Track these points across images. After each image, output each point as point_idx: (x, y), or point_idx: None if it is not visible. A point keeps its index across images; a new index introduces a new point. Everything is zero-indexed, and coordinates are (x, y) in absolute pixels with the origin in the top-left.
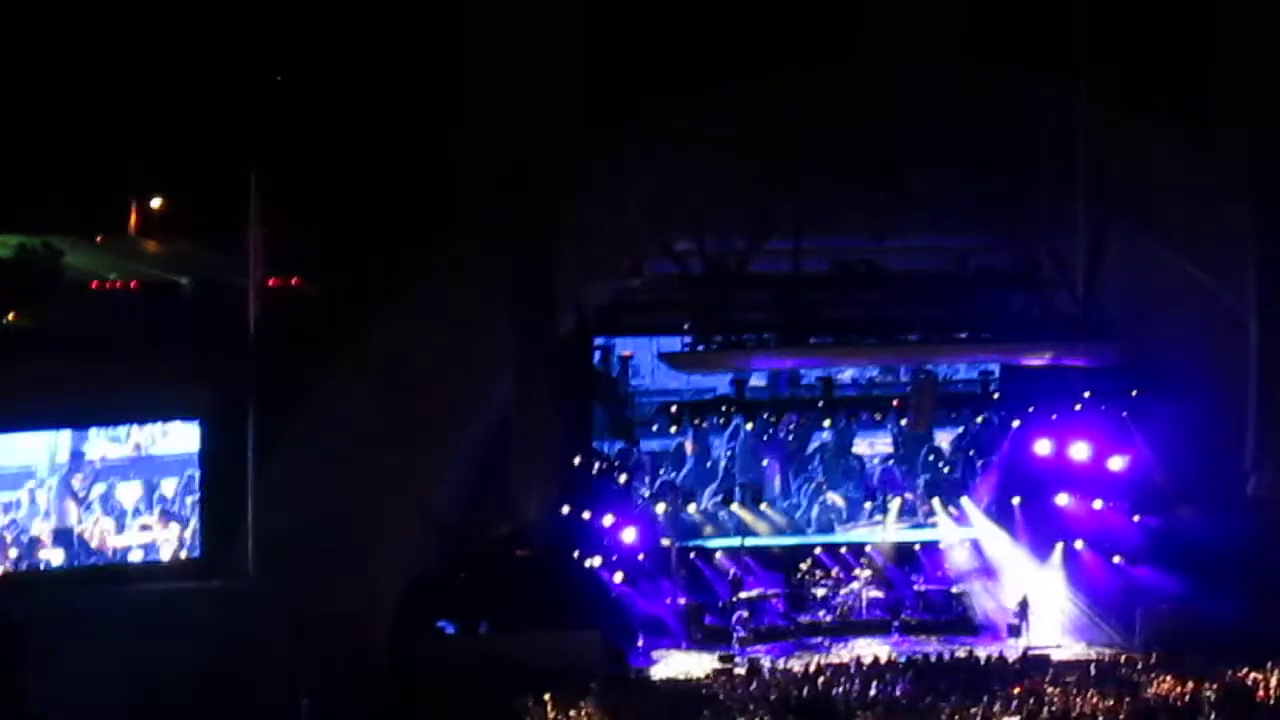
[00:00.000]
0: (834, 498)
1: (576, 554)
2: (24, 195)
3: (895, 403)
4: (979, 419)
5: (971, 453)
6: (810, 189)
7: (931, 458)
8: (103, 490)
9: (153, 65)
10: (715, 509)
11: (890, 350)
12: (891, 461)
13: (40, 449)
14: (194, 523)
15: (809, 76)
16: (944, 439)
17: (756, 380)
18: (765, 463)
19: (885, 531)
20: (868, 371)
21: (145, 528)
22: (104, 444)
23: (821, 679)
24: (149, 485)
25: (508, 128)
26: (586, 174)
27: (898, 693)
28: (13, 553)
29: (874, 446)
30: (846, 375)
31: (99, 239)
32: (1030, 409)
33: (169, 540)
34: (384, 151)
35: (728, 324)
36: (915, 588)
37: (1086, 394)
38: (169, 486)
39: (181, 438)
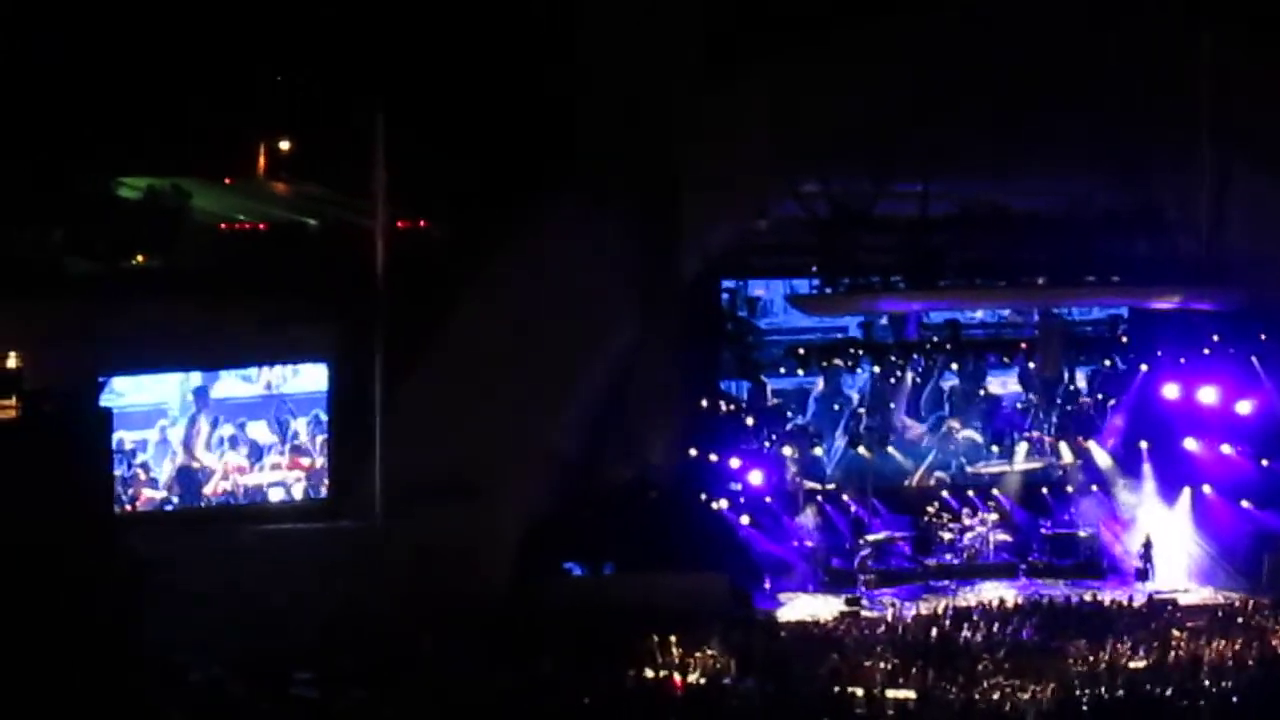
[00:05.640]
0: (968, 434)
1: (702, 496)
2: (153, 137)
3: (1023, 345)
4: (1107, 362)
5: (1100, 395)
6: (936, 130)
7: (1060, 401)
8: (232, 431)
9: (280, 6)
10: (842, 451)
11: (1017, 293)
12: (1020, 404)
13: (172, 387)
14: (322, 462)
15: (933, 16)
16: (1080, 378)
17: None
18: (892, 405)
19: (1013, 473)
20: (997, 312)
21: (275, 466)
22: (234, 383)
23: (948, 622)
24: (280, 424)
25: (632, 70)
26: (711, 116)
27: (1024, 636)
28: (142, 491)
29: (1005, 387)
30: (977, 315)
31: (227, 181)
32: (1158, 353)
33: (299, 480)
34: (509, 95)
35: (854, 266)
36: (1042, 531)
37: (1215, 338)
38: (300, 425)
39: (311, 377)
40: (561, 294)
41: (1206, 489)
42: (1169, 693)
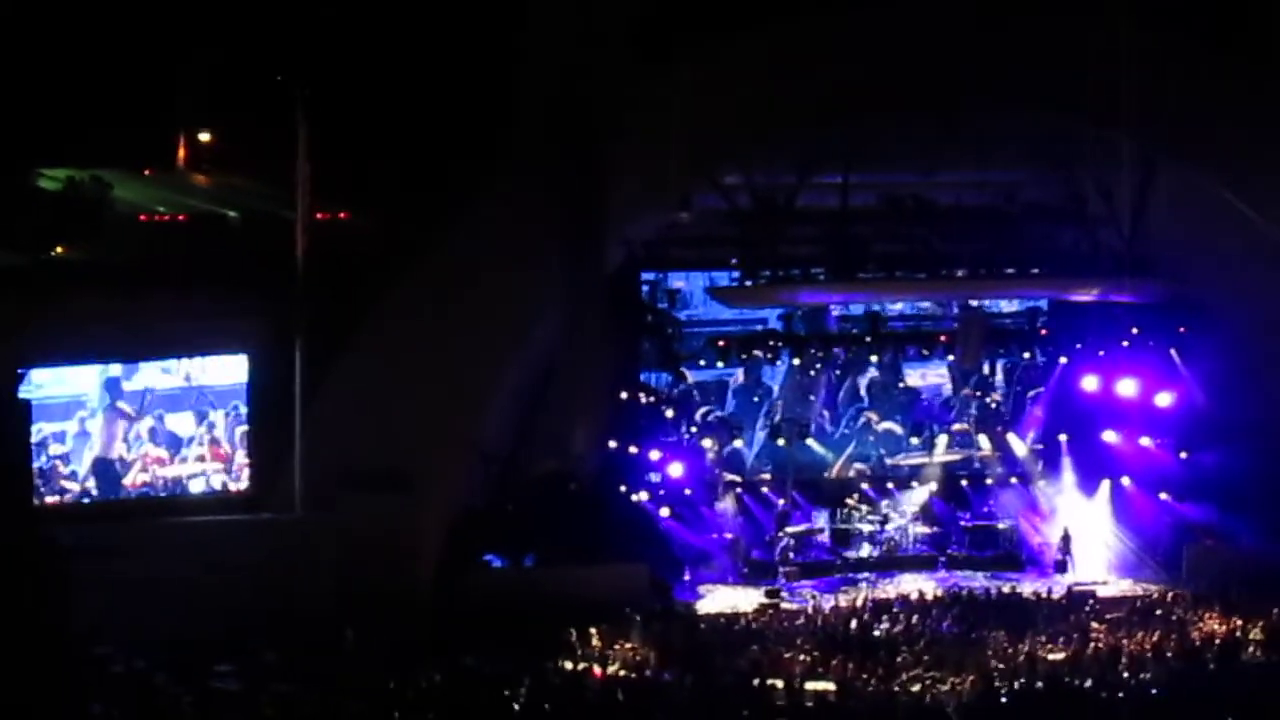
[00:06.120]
0: (887, 425)
1: (623, 488)
2: (72, 129)
3: (943, 338)
4: (1026, 355)
5: (1019, 388)
6: (858, 123)
7: (979, 392)
8: (151, 423)
9: None
10: (762, 443)
11: (938, 285)
12: (940, 396)
13: (91, 379)
14: (241, 454)
15: (857, 10)
16: (999, 370)
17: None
18: (812, 397)
19: (933, 465)
20: (917, 305)
21: (199, 458)
22: (154, 374)
23: (867, 614)
24: (200, 416)
25: (558, 61)
26: (634, 108)
27: (943, 628)
28: (62, 483)
29: (925, 379)
30: (896, 307)
31: (147, 172)
32: (1078, 345)
33: (219, 472)
34: (434, 85)
35: (776, 259)
36: (961, 523)
37: (1134, 330)
38: (218, 417)
39: (232, 369)
40: (485, 286)
41: (1126, 481)
42: (1088, 685)
